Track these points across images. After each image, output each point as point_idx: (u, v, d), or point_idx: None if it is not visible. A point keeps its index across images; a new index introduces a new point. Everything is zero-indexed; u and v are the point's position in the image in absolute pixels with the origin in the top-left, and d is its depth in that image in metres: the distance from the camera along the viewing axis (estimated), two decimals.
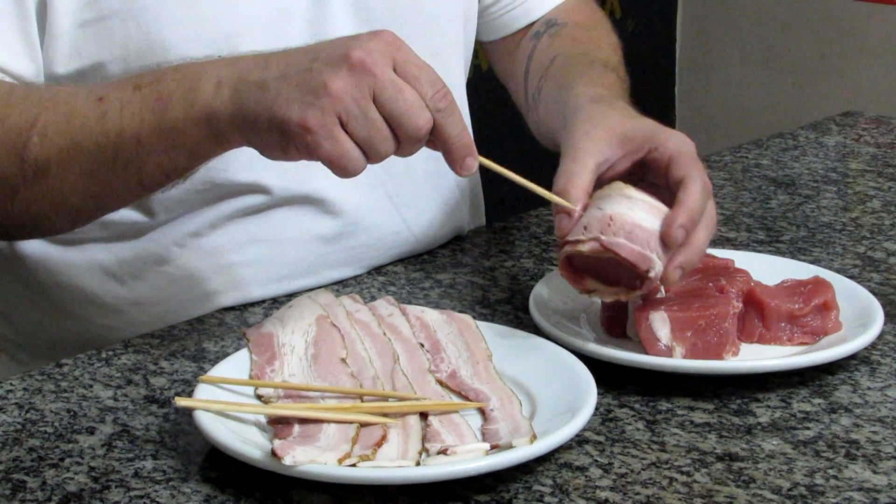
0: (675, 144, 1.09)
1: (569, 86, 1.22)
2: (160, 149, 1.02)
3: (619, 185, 1.04)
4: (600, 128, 1.10)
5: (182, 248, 1.21)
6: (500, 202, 1.54)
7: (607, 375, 1.01)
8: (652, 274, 1.00)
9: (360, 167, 0.95)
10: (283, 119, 0.95)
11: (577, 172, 1.06)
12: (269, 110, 0.95)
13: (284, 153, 0.97)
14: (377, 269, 1.27)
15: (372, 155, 0.95)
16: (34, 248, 1.24)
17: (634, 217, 1.01)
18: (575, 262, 1.04)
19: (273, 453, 0.84)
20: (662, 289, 1.07)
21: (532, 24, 1.42)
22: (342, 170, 0.95)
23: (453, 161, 0.99)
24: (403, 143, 0.96)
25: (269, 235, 1.22)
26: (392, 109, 0.94)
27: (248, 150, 1.02)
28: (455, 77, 1.34)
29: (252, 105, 0.97)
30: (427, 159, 1.06)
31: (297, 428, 0.90)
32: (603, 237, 1.00)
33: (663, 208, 1.03)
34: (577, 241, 1.02)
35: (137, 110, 1.02)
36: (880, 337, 1.08)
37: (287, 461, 0.84)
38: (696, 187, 1.04)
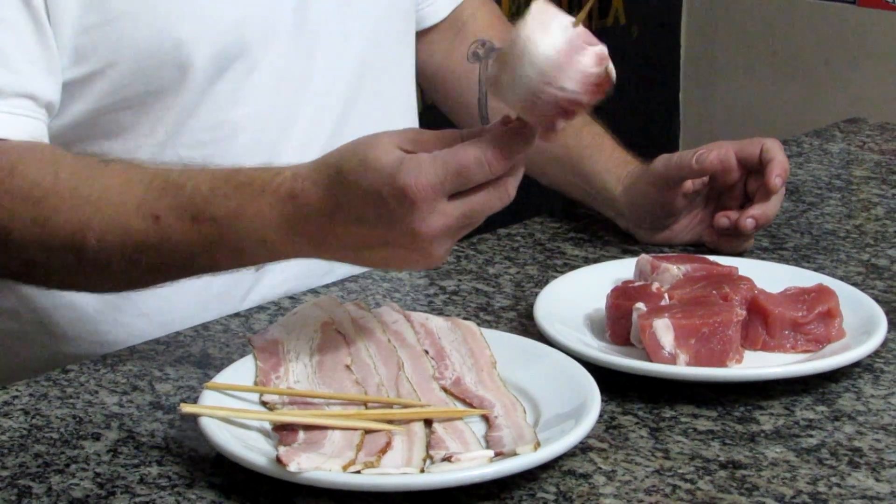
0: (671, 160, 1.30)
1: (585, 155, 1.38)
2: (235, 267, 1.06)
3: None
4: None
5: None
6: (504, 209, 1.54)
7: (611, 383, 1.01)
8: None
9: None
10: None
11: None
12: (379, 267, 1.03)
13: None
14: (381, 276, 1.27)
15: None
16: None
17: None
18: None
19: (278, 460, 0.85)
20: (666, 296, 1.08)
21: (444, 22, 1.47)
22: None
23: None
24: None
25: None
26: (479, 220, 0.96)
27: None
28: (408, 56, 1.39)
29: (346, 261, 1.01)
30: None
31: (301, 434, 0.91)
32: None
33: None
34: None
35: (206, 246, 1.02)
36: (884, 345, 1.08)
37: (292, 468, 0.84)
38: (778, 149, 1.29)
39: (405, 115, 1.38)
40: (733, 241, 1.32)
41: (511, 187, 0.95)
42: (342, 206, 0.95)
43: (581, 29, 0.92)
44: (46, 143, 1.13)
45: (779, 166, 1.28)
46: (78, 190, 1.06)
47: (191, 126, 1.19)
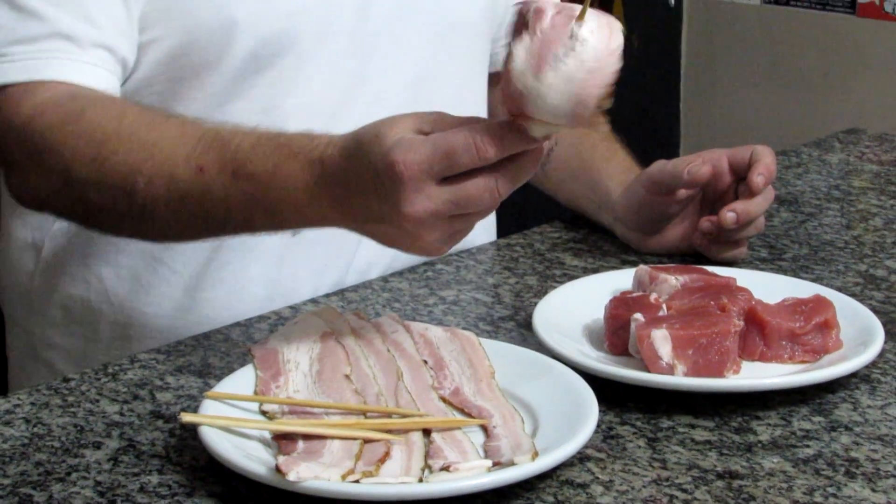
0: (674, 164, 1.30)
1: (603, 166, 1.41)
2: (270, 229, 1.08)
3: None
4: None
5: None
6: (504, 219, 1.55)
7: (609, 393, 1.01)
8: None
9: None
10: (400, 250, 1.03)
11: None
12: (384, 244, 1.02)
13: None
14: (381, 286, 1.28)
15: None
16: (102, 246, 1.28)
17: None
18: None
19: (277, 469, 0.85)
20: (664, 307, 1.08)
21: None
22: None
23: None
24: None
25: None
26: (469, 213, 0.97)
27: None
28: (479, 77, 1.42)
29: (361, 233, 1.03)
30: None
31: (301, 444, 0.91)
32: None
33: None
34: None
35: (243, 202, 1.05)
36: (881, 355, 1.09)
37: (291, 477, 0.85)
38: (767, 153, 1.28)
39: None
40: (723, 248, 1.32)
41: (502, 187, 0.95)
42: (353, 177, 0.98)
43: (565, 19, 0.91)
44: (118, 94, 1.18)
45: (763, 167, 1.28)
46: (136, 136, 1.10)
47: (236, 108, 1.23)
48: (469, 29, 1.39)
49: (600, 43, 0.90)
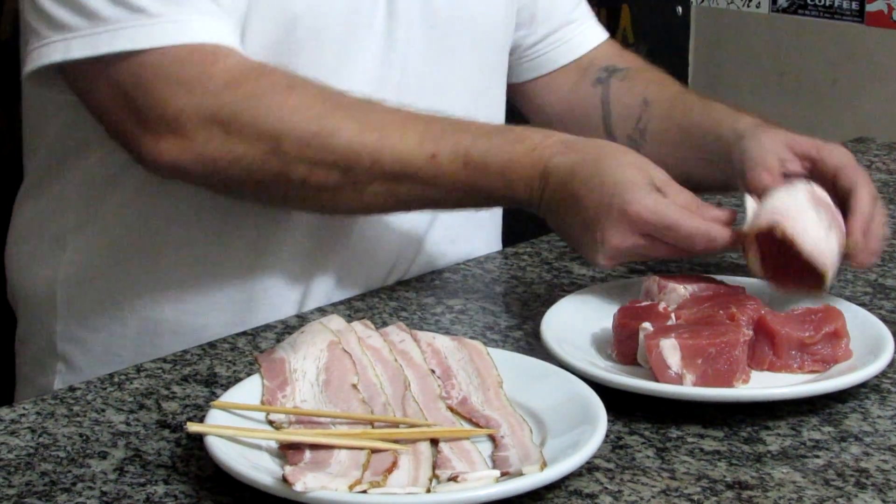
0: (839, 156, 1.23)
1: (705, 121, 1.38)
2: (475, 208, 1.23)
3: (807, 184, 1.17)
4: (767, 136, 1.26)
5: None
6: (511, 228, 1.55)
7: (617, 402, 1.01)
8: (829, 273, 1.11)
9: None
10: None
11: (763, 161, 1.23)
12: (563, 237, 1.20)
13: None
14: (388, 295, 1.28)
15: None
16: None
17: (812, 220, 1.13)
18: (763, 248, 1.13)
19: (284, 479, 0.85)
20: (673, 316, 1.08)
21: (573, 62, 1.51)
22: None
23: None
24: None
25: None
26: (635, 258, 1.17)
27: None
28: (498, 88, 1.43)
29: (551, 225, 1.17)
30: None
31: (308, 454, 0.91)
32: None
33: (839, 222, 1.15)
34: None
35: (465, 188, 1.15)
36: (891, 365, 1.08)
37: (298, 487, 0.84)
38: (865, 194, 1.20)
39: None
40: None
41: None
42: (573, 201, 1.12)
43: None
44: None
45: (860, 219, 1.19)
46: (357, 115, 1.15)
47: None
48: (491, 39, 1.39)
49: None
